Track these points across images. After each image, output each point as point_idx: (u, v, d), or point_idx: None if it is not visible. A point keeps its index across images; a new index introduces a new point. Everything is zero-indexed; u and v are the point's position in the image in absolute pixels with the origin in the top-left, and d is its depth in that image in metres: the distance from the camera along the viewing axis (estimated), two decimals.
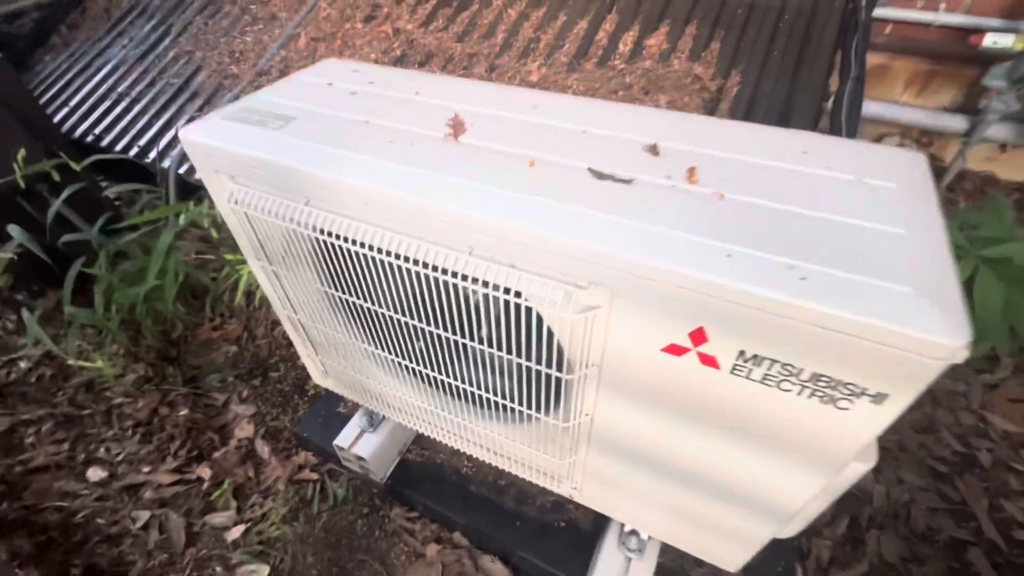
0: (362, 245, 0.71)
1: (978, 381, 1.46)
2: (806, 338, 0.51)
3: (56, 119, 2.33)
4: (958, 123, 1.91)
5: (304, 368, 1.57)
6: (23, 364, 1.65)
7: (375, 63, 2.10)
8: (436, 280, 0.68)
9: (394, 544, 1.23)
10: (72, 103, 2.40)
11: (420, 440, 1.34)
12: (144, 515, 1.30)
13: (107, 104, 2.34)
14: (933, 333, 0.45)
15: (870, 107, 2.07)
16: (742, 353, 0.56)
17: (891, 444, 1.35)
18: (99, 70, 2.49)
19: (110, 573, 1.19)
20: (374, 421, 1.25)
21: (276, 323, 1.74)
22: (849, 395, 0.53)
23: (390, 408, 1.11)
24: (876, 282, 0.49)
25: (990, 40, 1.65)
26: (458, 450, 1.29)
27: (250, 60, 2.25)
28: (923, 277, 0.49)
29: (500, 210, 0.61)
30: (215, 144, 0.78)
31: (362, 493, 1.32)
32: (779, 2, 1.84)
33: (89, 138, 2.25)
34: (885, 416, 0.53)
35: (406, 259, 0.68)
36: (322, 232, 0.74)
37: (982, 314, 1.31)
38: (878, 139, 2.18)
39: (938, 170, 2.08)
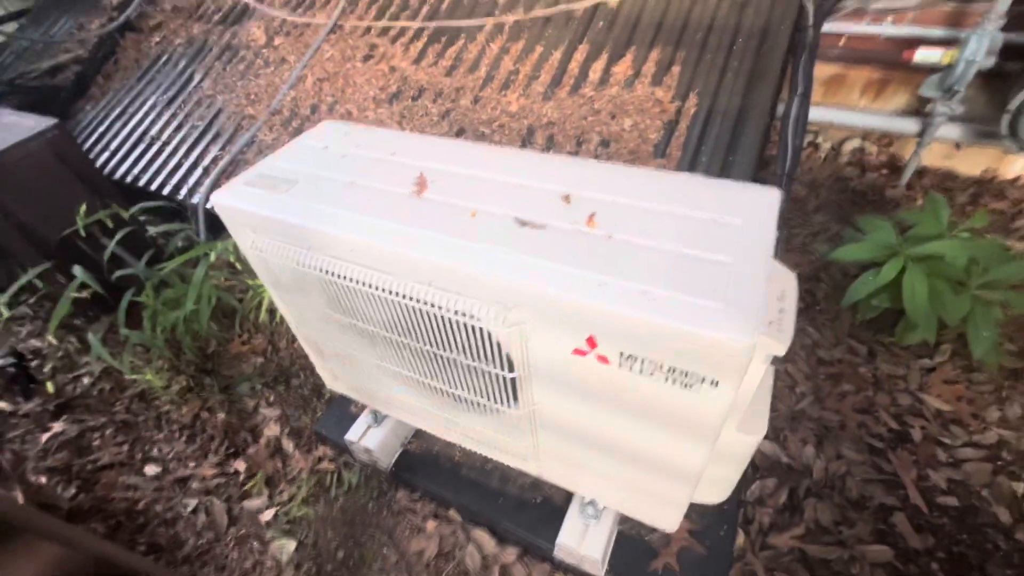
0: (351, 280, 0.93)
1: (917, 365, 1.61)
2: (657, 341, 0.71)
3: (99, 163, 2.64)
4: (911, 126, 2.05)
5: (320, 375, 1.81)
6: (86, 380, 1.93)
7: (373, 99, 2.34)
8: (407, 307, 0.90)
9: (399, 521, 1.46)
10: (112, 147, 2.71)
11: (419, 433, 1.57)
12: (192, 502, 1.56)
13: (142, 147, 2.64)
14: (726, 333, 0.65)
15: (832, 114, 2.22)
16: (622, 353, 0.76)
17: (833, 424, 1.52)
18: (133, 115, 2.80)
19: (168, 549, 1.45)
20: (378, 418, 1.48)
21: (296, 337, 1.99)
22: (696, 381, 0.73)
23: (388, 406, 1.34)
24: (697, 299, 0.69)
25: (920, 56, 1.79)
26: (450, 441, 1.52)
27: (264, 101, 2.52)
28: (733, 295, 0.69)
29: (448, 253, 0.83)
30: (239, 206, 1.01)
31: (372, 480, 1.56)
32: (734, 22, 2.01)
33: (128, 178, 2.55)
34: (725, 396, 0.73)
35: (384, 290, 0.90)
36: (321, 270, 0.96)
37: (909, 306, 1.48)
38: (841, 142, 2.33)
39: (897, 169, 2.22)
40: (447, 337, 0.93)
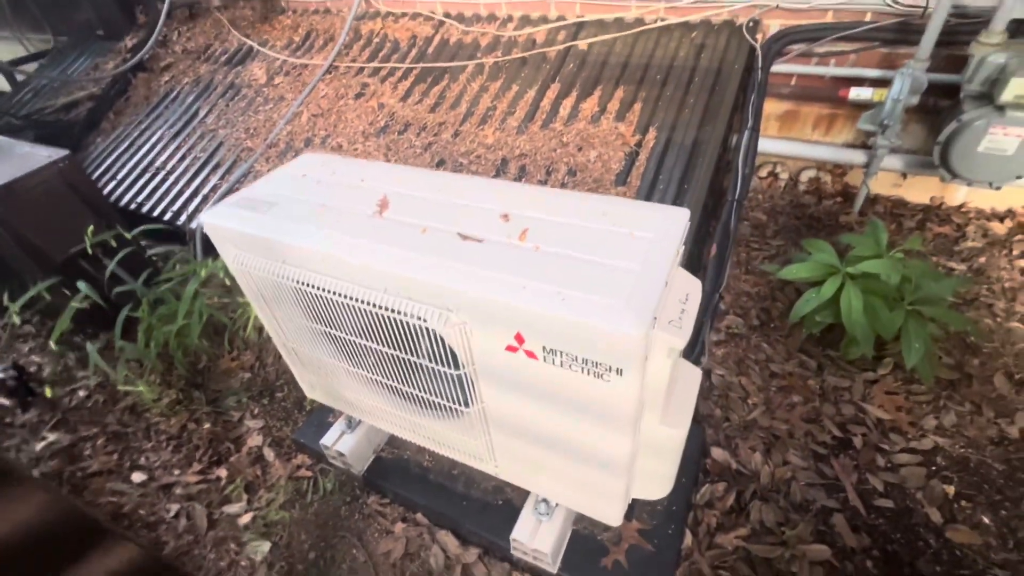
0: (320, 289, 1.06)
1: (860, 378, 1.71)
2: (569, 334, 0.83)
3: (106, 191, 2.81)
4: (858, 157, 2.21)
5: (300, 386, 1.91)
6: (82, 392, 2.04)
7: (362, 134, 2.52)
8: (368, 311, 1.02)
9: (369, 524, 1.54)
10: (119, 176, 2.89)
11: (391, 441, 1.66)
12: (175, 507, 1.64)
13: (147, 176, 2.82)
14: (621, 325, 0.77)
15: (789, 146, 2.39)
16: (544, 347, 0.88)
17: (782, 432, 1.61)
18: (140, 148, 2.99)
19: (149, 551, 1.52)
20: (352, 424, 1.58)
21: (280, 354, 2.10)
22: (605, 371, 0.84)
23: (360, 411, 1.44)
24: (603, 299, 0.81)
25: (854, 94, 1.96)
26: (421, 448, 1.61)
27: (262, 135, 2.71)
28: (634, 295, 0.81)
29: (399, 263, 0.96)
30: (224, 225, 1.15)
31: (346, 486, 1.64)
32: (692, 64, 2.20)
33: (132, 205, 2.71)
34: (632, 384, 0.84)
35: (348, 297, 1.03)
36: (296, 282, 1.09)
37: (847, 321, 1.59)
38: (799, 172, 2.49)
39: (851, 197, 2.37)
40: (403, 340, 1.05)
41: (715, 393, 1.75)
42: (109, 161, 3.00)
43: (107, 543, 0.70)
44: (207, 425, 1.87)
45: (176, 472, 1.75)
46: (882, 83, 2.04)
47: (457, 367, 1.03)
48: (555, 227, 0.99)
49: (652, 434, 1.03)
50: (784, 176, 2.51)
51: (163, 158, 2.86)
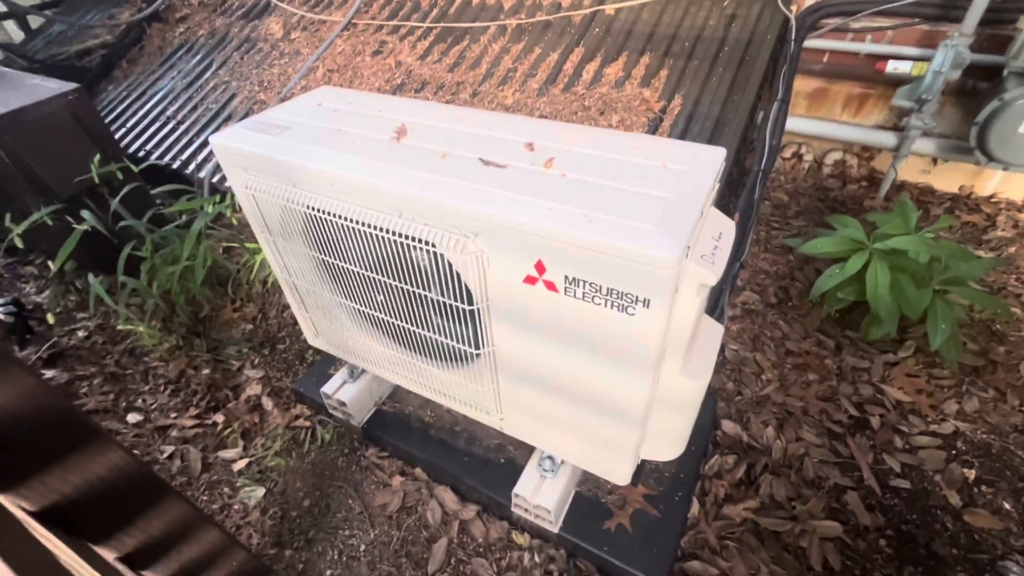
0: (331, 214, 1.01)
1: (881, 359, 1.66)
2: (595, 260, 0.77)
3: (115, 137, 2.76)
4: (888, 139, 2.14)
5: (305, 340, 1.87)
6: (81, 333, 2.00)
7: (378, 91, 2.46)
8: (380, 237, 0.97)
9: (367, 476, 1.50)
10: (129, 124, 2.84)
11: (394, 395, 1.62)
12: (169, 449, 1.61)
13: (157, 125, 2.77)
14: (654, 249, 0.71)
15: (816, 125, 2.32)
16: (567, 277, 0.83)
17: (796, 409, 1.56)
18: (152, 97, 2.94)
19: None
20: (354, 374, 1.53)
21: (285, 306, 2.06)
22: (631, 303, 0.79)
23: (362, 359, 1.40)
24: (634, 223, 0.76)
25: (891, 67, 1.89)
26: (423, 403, 1.57)
27: (275, 89, 2.65)
28: (665, 221, 0.76)
29: (415, 185, 0.90)
30: (234, 145, 1.10)
31: (344, 437, 1.60)
32: (721, 34, 2.12)
33: (141, 153, 2.66)
34: (658, 317, 0.79)
35: (360, 223, 0.98)
36: (307, 207, 1.04)
37: (872, 297, 1.54)
38: (824, 154, 2.42)
39: (877, 181, 2.29)
40: (415, 271, 1.00)
41: (728, 368, 1.70)
42: (120, 109, 2.95)
43: (95, 445, 0.65)
44: (206, 372, 1.83)
45: (172, 415, 1.71)
46: (920, 63, 1.97)
47: (470, 303, 0.98)
48: (582, 157, 0.93)
49: (671, 384, 0.98)
50: (808, 157, 2.43)
51: (174, 108, 2.80)
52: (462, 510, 1.40)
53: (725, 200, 1.84)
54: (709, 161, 0.91)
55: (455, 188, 0.88)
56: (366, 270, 1.09)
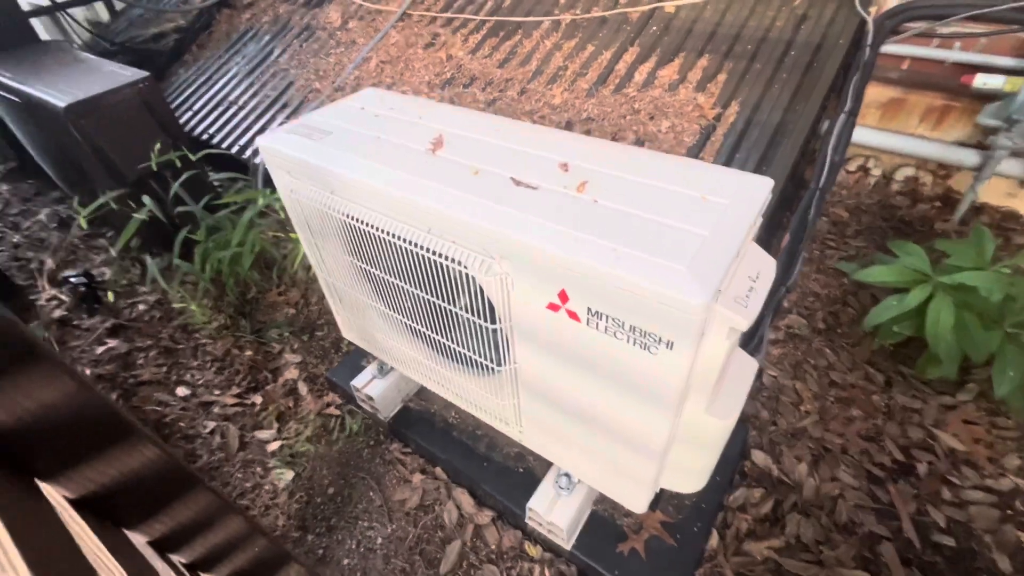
0: (363, 223, 1.03)
1: (936, 401, 1.53)
2: (619, 296, 0.75)
3: (182, 120, 2.92)
4: (970, 157, 1.95)
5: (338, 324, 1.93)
6: (141, 306, 2.15)
7: (427, 85, 2.47)
8: (410, 252, 0.98)
9: (389, 470, 1.55)
10: (195, 107, 2.99)
11: (421, 392, 1.65)
12: (211, 424, 1.71)
13: (220, 110, 2.90)
14: (681, 292, 0.68)
15: (887, 138, 2.14)
16: (589, 309, 0.80)
17: (835, 446, 1.47)
18: (216, 82, 3.07)
19: (185, 460, 1.60)
20: (384, 370, 1.57)
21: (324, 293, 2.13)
22: (654, 342, 0.76)
23: (391, 358, 1.43)
24: (663, 261, 0.72)
25: (980, 81, 1.71)
26: (448, 403, 1.59)
27: (330, 78, 2.71)
28: (697, 261, 0.72)
29: (446, 202, 0.90)
30: (277, 148, 1.13)
31: (371, 430, 1.65)
32: (789, 36, 1.99)
33: (204, 136, 2.80)
34: (682, 360, 0.76)
35: (391, 234, 0.99)
36: (342, 213, 1.06)
37: (932, 335, 1.42)
38: (894, 170, 2.23)
39: (953, 203, 2.10)
40: (442, 286, 1.01)
41: (764, 394, 1.63)
42: (188, 92, 3.11)
43: (132, 440, 0.70)
44: (249, 352, 1.93)
45: (216, 392, 1.82)
46: (1015, 74, 1.77)
47: (494, 321, 0.98)
48: (617, 182, 0.90)
49: (695, 422, 0.95)
50: (876, 172, 2.26)
51: (236, 93, 2.92)
52: (478, 514, 1.42)
53: (777, 217, 1.74)
54: (753, 194, 0.85)
55: (484, 208, 0.87)
56: (396, 279, 1.11)
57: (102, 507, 0.74)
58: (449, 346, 1.15)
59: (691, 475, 1.12)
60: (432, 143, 1.06)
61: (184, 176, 1.81)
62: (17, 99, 2.02)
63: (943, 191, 2.15)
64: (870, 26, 1.88)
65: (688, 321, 0.70)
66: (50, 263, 2.37)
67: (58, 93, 1.86)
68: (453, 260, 0.91)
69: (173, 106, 3.04)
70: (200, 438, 1.67)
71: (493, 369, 1.10)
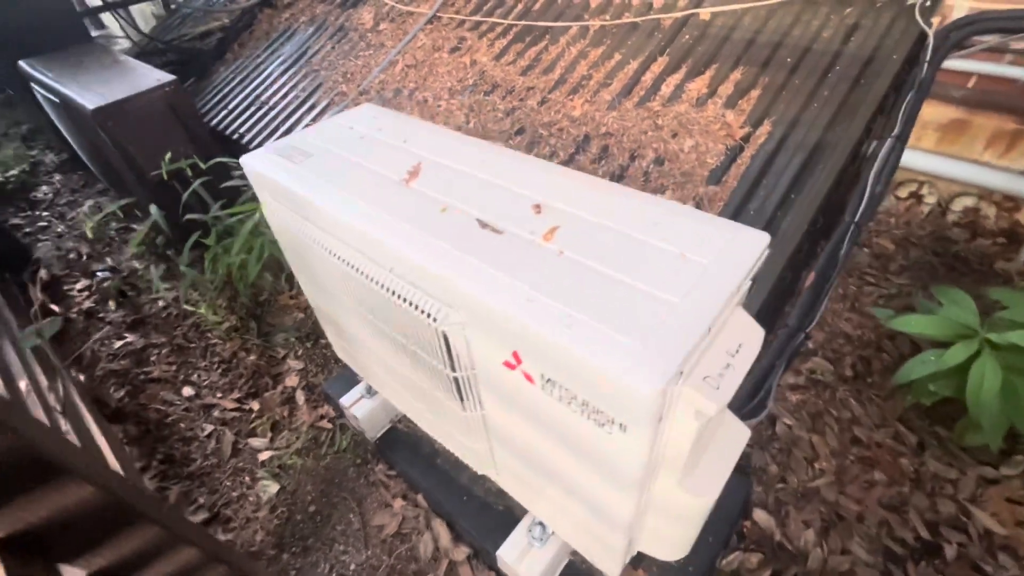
0: (334, 255, 0.98)
1: (975, 472, 1.36)
2: (569, 368, 0.67)
3: (216, 119, 3.00)
4: None
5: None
6: (160, 303, 2.22)
7: (449, 91, 2.42)
8: (374, 289, 0.93)
9: (371, 492, 1.52)
10: (230, 106, 3.06)
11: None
12: (209, 428, 1.74)
13: (252, 109, 2.95)
14: (631, 376, 0.60)
15: (946, 164, 1.92)
16: (543, 375, 0.73)
17: (850, 514, 1.33)
18: (252, 81, 3.14)
19: (178, 463, 1.63)
20: (372, 390, 1.54)
21: None
22: (607, 422, 0.68)
23: (373, 380, 1.40)
24: (618, 336, 0.64)
25: None
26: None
27: (356, 80, 2.70)
28: (659, 336, 0.63)
29: (406, 242, 0.84)
30: (259, 170, 1.10)
31: (360, 446, 1.63)
32: (836, 47, 1.80)
33: (235, 136, 2.87)
34: (637, 444, 0.67)
35: (356, 269, 0.94)
36: (311, 240, 1.03)
37: (972, 400, 1.25)
38: (952, 199, 2.00)
39: (1019, 239, 1.86)
40: (406, 326, 0.95)
41: (775, 445, 1.49)
42: (225, 91, 3.19)
43: (62, 479, 0.68)
44: (253, 357, 1.95)
45: (219, 395, 1.85)
46: None
47: (451, 368, 0.92)
48: (591, 230, 0.81)
49: (668, 497, 0.86)
50: (931, 200, 2.04)
51: (268, 93, 2.97)
52: (454, 550, 1.37)
53: (805, 251, 1.58)
54: (741, 253, 0.75)
55: (441, 253, 0.81)
56: (368, 313, 1.06)
57: (32, 544, 0.73)
58: (422, 386, 1.10)
59: (669, 544, 1.03)
60: (409, 173, 1.01)
61: (197, 182, 1.84)
62: (56, 99, 2.11)
63: (1008, 225, 1.91)
64: (931, 39, 1.67)
65: (640, 408, 0.62)
66: (86, 254, 2.49)
67: (89, 95, 1.93)
68: (412, 304, 0.85)
69: (210, 105, 3.13)
70: (197, 441, 1.71)
71: (461, 413, 1.04)
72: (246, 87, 3.12)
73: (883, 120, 1.62)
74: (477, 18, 2.63)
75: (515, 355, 0.75)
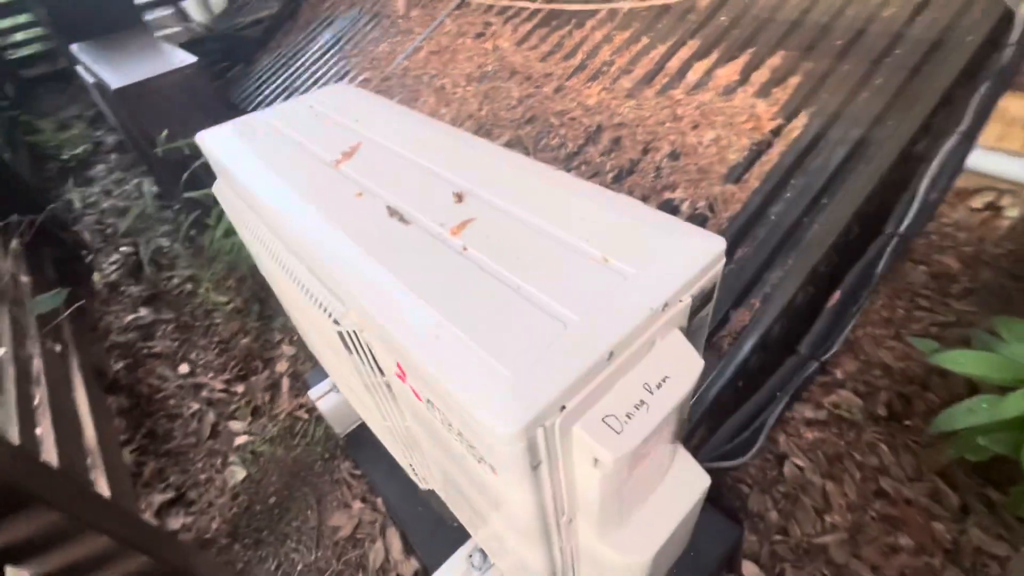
0: (258, 239, 0.91)
1: None
2: (434, 390, 0.55)
3: (252, 107, 3.07)
4: None
5: None
6: (176, 280, 2.29)
7: (466, 77, 2.32)
8: (286, 278, 0.85)
9: (333, 490, 1.46)
10: (264, 93, 3.13)
11: None
12: (195, 407, 1.75)
13: (284, 96, 3.00)
14: (486, 413, 0.47)
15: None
16: (422, 393, 0.61)
17: None
18: (289, 67, 3.19)
19: (160, 439, 1.65)
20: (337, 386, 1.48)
21: None
22: (480, 459, 0.55)
23: (328, 369, 1.33)
24: (489, 358, 0.51)
25: None
26: None
27: (381, 67, 2.67)
28: (535, 366, 0.50)
29: (309, 229, 0.75)
30: (209, 146, 1.05)
31: (331, 441, 1.58)
32: (896, 29, 1.54)
33: None
34: (515, 490, 0.54)
35: (272, 255, 0.86)
36: (244, 223, 0.96)
37: None
38: None
39: None
40: (319, 322, 0.86)
41: (780, 489, 1.28)
42: (264, 78, 3.27)
43: None
44: (248, 339, 1.95)
45: (211, 375, 1.86)
46: None
47: (375, 373, 0.81)
48: (510, 224, 0.68)
49: (594, 552, 0.71)
50: (1013, 213, 1.71)
51: (299, 81, 3.01)
52: (403, 563, 1.28)
53: (840, 264, 1.35)
54: (681, 262, 0.59)
55: (340, 245, 0.71)
56: (294, 301, 0.98)
57: None
58: (353, 384, 1.01)
59: None
60: (343, 154, 0.92)
61: (197, 163, 1.86)
62: (92, 79, 2.21)
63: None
64: (1019, 19, 1.38)
65: (499, 451, 0.49)
66: (122, 229, 2.62)
67: (115, 76, 2.00)
68: (316, 301, 0.76)
69: (248, 92, 3.22)
70: (181, 419, 1.72)
71: (395, 419, 0.94)
72: (282, 75, 3.18)
73: (946, 114, 1.35)
74: (505, 2, 2.52)
75: (399, 366, 0.63)
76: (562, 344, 0.51)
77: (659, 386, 0.56)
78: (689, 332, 0.64)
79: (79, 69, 2.40)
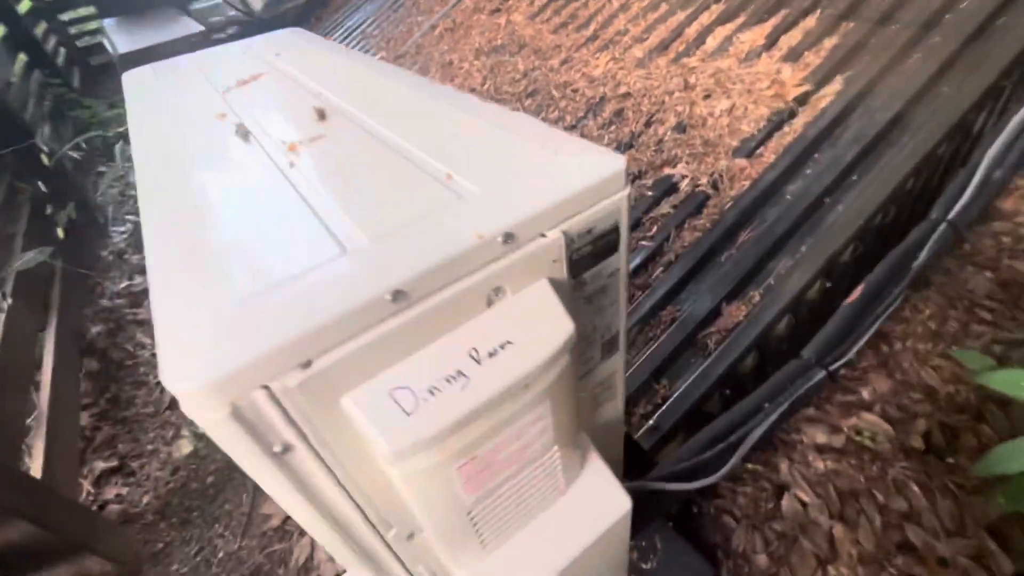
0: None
1: None
2: None
3: None
4: None
5: None
6: None
7: (475, 52, 2.19)
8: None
9: None
10: None
11: None
12: None
13: None
14: (167, 359, 0.31)
15: None
16: None
17: None
18: None
19: (121, 405, 1.60)
20: None
21: None
22: None
23: None
24: (213, 294, 0.35)
25: None
26: None
27: (394, 47, 2.59)
28: (269, 302, 0.34)
29: (158, 155, 0.63)
30: (127, 83, 0.97)
31: None
32: None
33: None
34: (272, 484, 0.39)
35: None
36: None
37: None
38: None
39: None
40: None
41: (775, 526, 1.05)
42: None
43: None
44: None
45: None
46: None
47: None
48: (359, 143, 0.54)
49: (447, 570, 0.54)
50: None
51: None
52: (325, 564, 1.14)
53: (869, 253, 1.10)
54: (553, 184, 0.41)
55: (170, 164, 0.58)
56: None
57: None
58: None
59: None
60: (239, 82, 0.79)
61: None
62: (112, 51, 2.25)
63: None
64: None
65: (199, 418, 0.33)
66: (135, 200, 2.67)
67: (124, 42, 2.01)
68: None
69: None
70: (147, 387, 1.67)
71: None
72: None
73: (1013, 85, 1.08)
74: None
75: None
76: (322, 275, 0.35)
77: (493, 355, 0.38)
78: (577, 291, 0.46)
79: (104, 42, 2.47)
